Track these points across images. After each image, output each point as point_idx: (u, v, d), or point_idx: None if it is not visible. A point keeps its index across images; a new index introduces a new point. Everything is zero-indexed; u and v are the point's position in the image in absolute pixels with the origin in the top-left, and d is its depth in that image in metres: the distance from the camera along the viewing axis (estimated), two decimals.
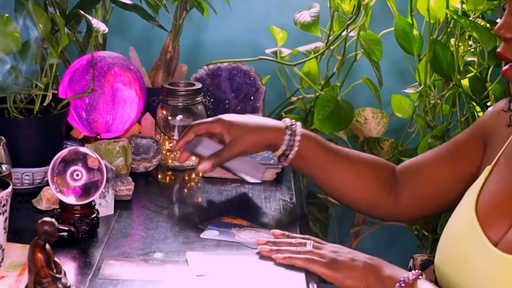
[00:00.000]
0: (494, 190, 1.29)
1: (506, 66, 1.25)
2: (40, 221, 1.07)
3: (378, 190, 1.52)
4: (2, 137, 1.40)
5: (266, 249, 1.32)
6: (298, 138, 1.50)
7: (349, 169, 1.52)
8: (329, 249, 1.32)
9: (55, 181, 1.36)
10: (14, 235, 1.31)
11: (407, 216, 1.56)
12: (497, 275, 1.19)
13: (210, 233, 1.41)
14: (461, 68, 1.84)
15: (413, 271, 1.26)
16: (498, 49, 1.25)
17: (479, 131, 1.43)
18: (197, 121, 1.56)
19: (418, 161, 1.52)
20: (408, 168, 1.53)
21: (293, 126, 1.52)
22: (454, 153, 1.46)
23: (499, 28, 1.23)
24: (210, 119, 1.54)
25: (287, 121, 1.53)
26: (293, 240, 1.34)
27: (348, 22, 1.98)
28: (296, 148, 1.50)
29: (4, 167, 1.37)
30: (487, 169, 1.33)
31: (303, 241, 1.34)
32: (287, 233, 1.39)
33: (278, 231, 1.39)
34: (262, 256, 1.32)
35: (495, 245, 1.22)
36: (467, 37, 1.87)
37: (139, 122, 1.86)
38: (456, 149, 1.46)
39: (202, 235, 1.40)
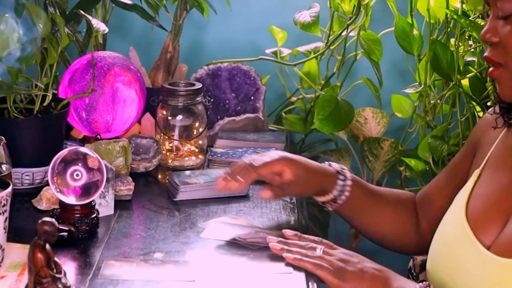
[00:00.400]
0: (483, 194, 1.29)
1: (492, 67, 1.25)
2: (40, 221, 1.07)
3: (410, 226, 1.50)
4: (2, 137, 1.40)
5: (277, 247, 1.31)
6: (349, 183, 1.46)
7: (387, 209, 1.50)
8: (339, 256, 1.30)
9: (55, 181, 1.36)
10: (14, 235, 1.31)
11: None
12: (491, 279, 1.19)
13: (210, 233, 1.41)
14: (461, 68, 1.84)
15: (420, 283, 1.25)
16: (486, 54, 1.26)
17: (471, 146, 1.43)
18: (259, 163, 1.41)
19: (426, 192, 1.51)
20: (420, 200, 1.51)
21: (344, 170, 1.47)
22: (452, 175, 1.45)
23: (485, 33, 1.24)
24: (270, 158, 1.42)
25: (336, 165, 1.48)
26: (303, 243, 1.33)
27: (348, 22, 1.98)
28: (347, 193, 1.46)
29: (4, 167, 1.37)
30: (476, 173, 1.33)
31: (314, 245, 1.32)
32: (298, 233, 1.37)
33: (289, 231, 1.37)
34: (262, 256, 1.32)
35: (488, 248, 1.22)
36: (467, 37, 1.87)
37: (139, 122, 1.86)
38: (453, 171, 1.45)
39: (202, 235, 1.40)
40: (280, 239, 1.34)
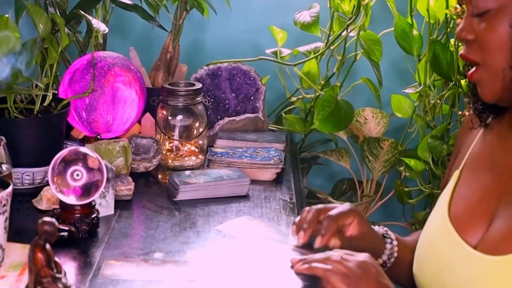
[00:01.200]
0: (465, 194, 1.29)
1: (472, 70, 1.24)
2: (40, 221, 1.07)
3: None
4: (2, 137, 1.40)
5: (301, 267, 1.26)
6: (395, 243, 1.42)
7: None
8: (358, 260, 1.23)
9: (55, 181, 1.36)
10: (14, 235, 1.31)
11: None
12: (481, 277, 1.19)
13: (226, 228, 1.40)
14: (460, 68, 1.84)
15: None
16: (461, 52, 1.25)
17: (455, 153, 1.42)
18: (333, 212, 1.36)
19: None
20: None
21: (388, 232, 1.43)
22: None
23: (460, 31, 1.23)
24: (344, 209, 1.38)
25: (379, 229, 1.43)
26: (322, 254, 1.26)
27: (348, 22, 1.98)
28: (395, 255, 1.41)
29: (4, 167, 1.37)
30: (456, 174, 1.33)
31: (332, 253, 1.26)
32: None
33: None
34: (262, 256, 1.32)
35: (474, 247, 1.22)
36: None
37: (139, 122, 1.87)
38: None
39: (216, 227, 1.40)
40: (301, 258, 1.27)
